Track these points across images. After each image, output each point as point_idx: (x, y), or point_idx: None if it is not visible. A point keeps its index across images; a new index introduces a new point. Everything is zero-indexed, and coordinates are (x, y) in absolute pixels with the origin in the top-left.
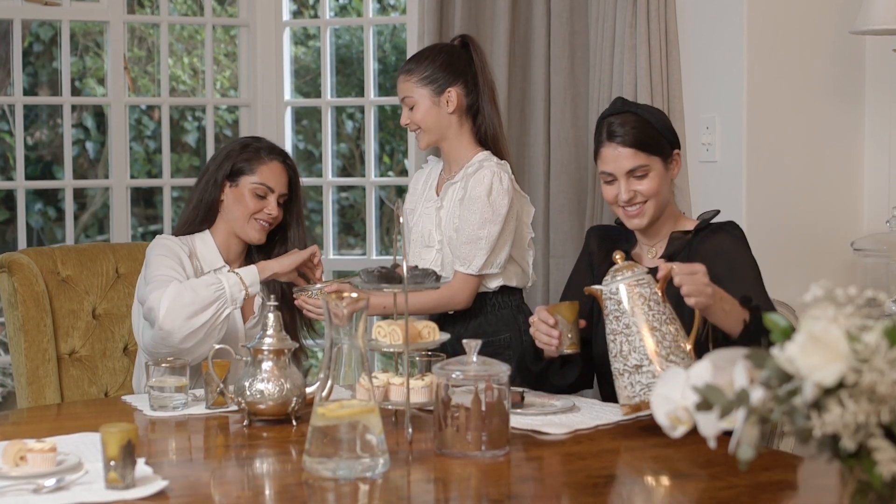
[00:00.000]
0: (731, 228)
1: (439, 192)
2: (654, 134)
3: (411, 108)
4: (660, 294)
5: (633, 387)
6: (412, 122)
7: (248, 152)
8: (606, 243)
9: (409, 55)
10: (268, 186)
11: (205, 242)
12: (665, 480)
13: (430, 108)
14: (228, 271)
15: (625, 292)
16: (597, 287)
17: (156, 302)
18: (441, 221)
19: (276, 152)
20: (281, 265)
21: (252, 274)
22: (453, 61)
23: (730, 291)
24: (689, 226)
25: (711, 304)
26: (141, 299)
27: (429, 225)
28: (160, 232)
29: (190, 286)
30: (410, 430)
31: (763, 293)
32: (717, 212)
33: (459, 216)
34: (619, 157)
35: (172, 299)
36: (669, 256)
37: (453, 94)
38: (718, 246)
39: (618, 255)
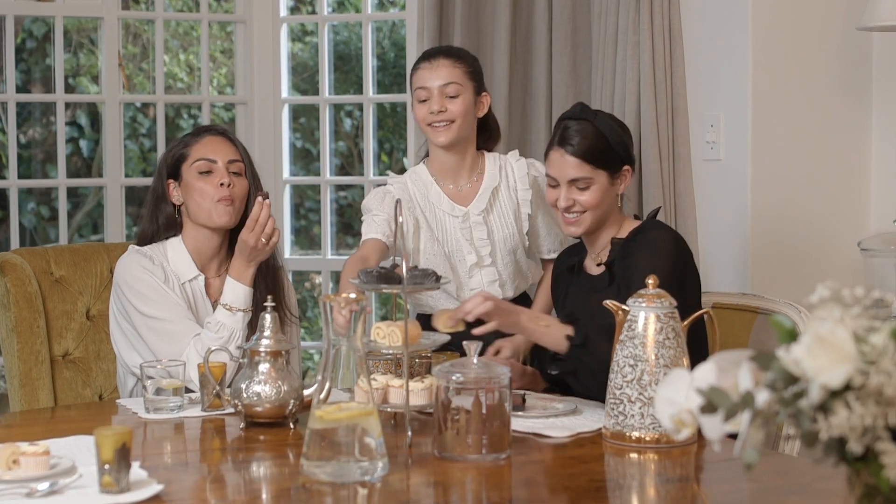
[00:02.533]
0: (657, 229)
1: (459, 202)
2: (604, 148)
3: (452, 97)
4: (684, 328)
5: (644, 419)
6: (450, 112)
7: (177, 145)
8: (566, 262)
9: (408, 52)
10: (207, 159)
11: (176, 251)
12: (669, 484)
13: (471, 105)
14: (222, 305)
15: (653, 323)
16: (616, 304)
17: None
18: (491, 230)
19: (206, 129)
20: (244, 254)
21: (237, 291)
22: (481, 69)
23: (622, 291)
24: (630, 228)
25: (518, 322)
26: (148, 343)
27: (468, 236)
28: (145, 226)
29: (202, 345)
30: (410, 433)
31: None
32: (658, 208)
33: (545, 209)
34: (564, 165)
35: (195, 364)
36: (610, 263)
37: (486, 100)
38: (635, 245)
39: (650, 280)
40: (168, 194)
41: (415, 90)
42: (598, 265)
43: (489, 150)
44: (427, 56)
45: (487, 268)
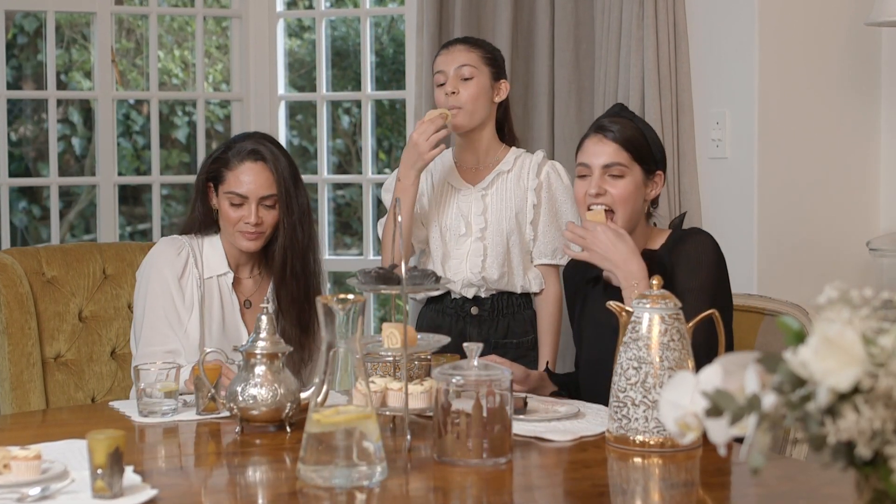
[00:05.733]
0: (698, 235)
1: (469, 181)
2: (643, 143)
3: (466, 79)
4: (688, 331)
5: (649, 422)
6: (460, 95)
7: (221, 156)
8: (580, 274)
9: (408, 48)
10: (238, 194)
11: (213, 247)
12: (673, 489)
13: (486, 89)
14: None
15: (657, 325)
16: (619, 305)
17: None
18: (487, 208)
19: (247, 153)
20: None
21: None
22: (503, 60)
23: (684, 298)
24: (662, 238)
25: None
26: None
27: (465, 211)
28: (149, 231)
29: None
30: (409, 436)
31: (705, 302)
32: (684, 214)
33: (549, 209)
34: (600, 151)
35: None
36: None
37: (504, 87)
38: (683, 254)
39: (654, 281)
40: (208, 196)
41: (434, 76)
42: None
43: (512, 145)
44: (446, 44)
45: (476, 242)
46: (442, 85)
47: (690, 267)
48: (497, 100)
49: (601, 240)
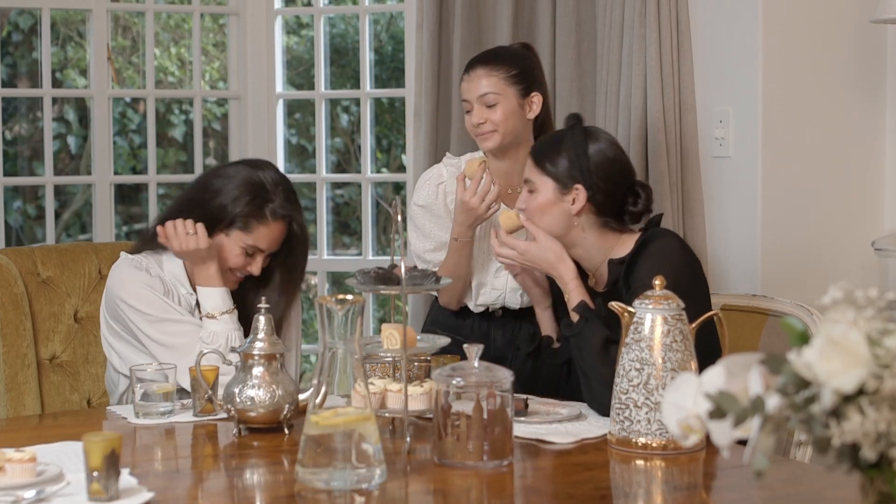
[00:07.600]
0: (661, 238)
1: (509, 203)
2: (555, 159)
3: (489, 106)
4: (691, 331)
5: (651, 424)
6: (490, 122)
7: (254, 205)
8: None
9: (407, 46)
10: (259, 248)
11: (174, 263)
12: (676, 492)
13: (516, 110)
14: (204, 316)
15: (660, 326)
16: (622, 306)
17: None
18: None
19: (283, 214)
20: (192, 262)
21: (211, 296)
22: (534, 67)
23: (637, 293)
24: (631, 243)
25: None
26: (151, 349)
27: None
28: (146, 231)
29: (207, 361)
30: (409, 438)
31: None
32: (660, 215)
33: None
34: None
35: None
36: (613, 284)
37: (536, 100)
38: (647, 254)
39: (657, 281)
40: (216, 231)
41: (462, 101)
42: (604, 288)
43: None
44: (467, 68)
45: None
46: (468, 112)
47: (652, 265)
48: (530, 115)
49: (530, 259)
